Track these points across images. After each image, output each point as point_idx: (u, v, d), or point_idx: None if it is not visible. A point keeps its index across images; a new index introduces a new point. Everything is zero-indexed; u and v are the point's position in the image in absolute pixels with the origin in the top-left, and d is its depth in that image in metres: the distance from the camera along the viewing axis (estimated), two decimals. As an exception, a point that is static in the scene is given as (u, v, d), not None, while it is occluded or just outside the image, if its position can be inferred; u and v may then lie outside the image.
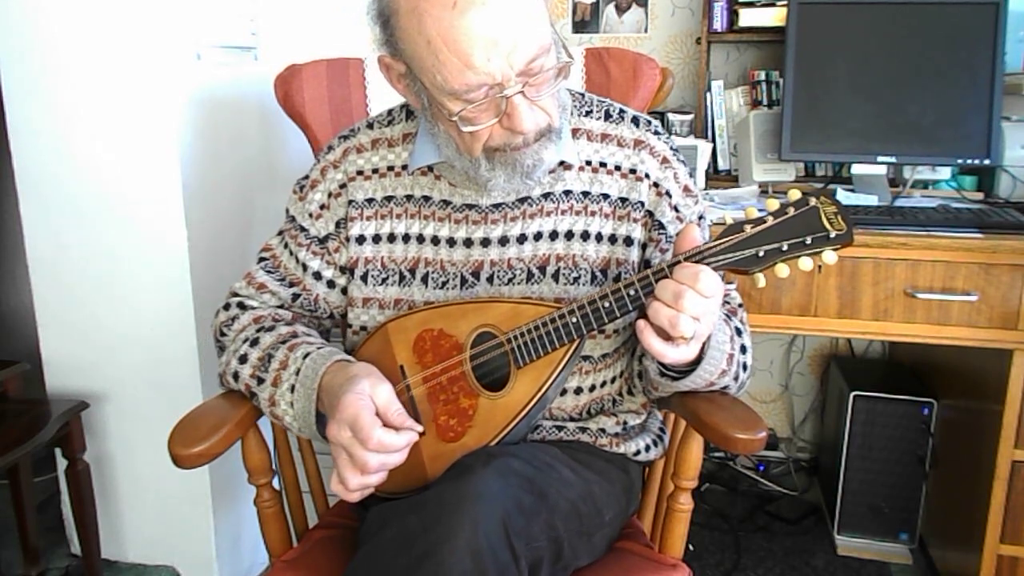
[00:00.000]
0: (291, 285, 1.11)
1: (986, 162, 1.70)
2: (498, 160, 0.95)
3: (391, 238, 1.06)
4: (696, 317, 0.85)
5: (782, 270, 0.88)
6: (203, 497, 1.77)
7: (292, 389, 0.98)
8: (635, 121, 1.07)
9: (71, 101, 1.61)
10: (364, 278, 1.07)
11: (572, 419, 1.08)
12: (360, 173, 1.08)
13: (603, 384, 1.08)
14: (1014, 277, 1.48)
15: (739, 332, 1.03)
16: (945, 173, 1.87)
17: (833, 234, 0.87)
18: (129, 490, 1.83)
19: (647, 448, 1.13)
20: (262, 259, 1.14)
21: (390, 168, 1.07)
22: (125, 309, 1.70)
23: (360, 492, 0.91)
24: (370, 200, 1.07)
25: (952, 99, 1.71)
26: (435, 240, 1.05)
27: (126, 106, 1.59)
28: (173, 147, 1.59)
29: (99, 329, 1.73)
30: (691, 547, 1.99)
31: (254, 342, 1.04)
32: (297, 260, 1.11)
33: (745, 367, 1.03)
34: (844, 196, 1.74)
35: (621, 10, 2.23)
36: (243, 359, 1.03)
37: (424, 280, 1.05)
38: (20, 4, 1.59)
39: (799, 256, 0.88)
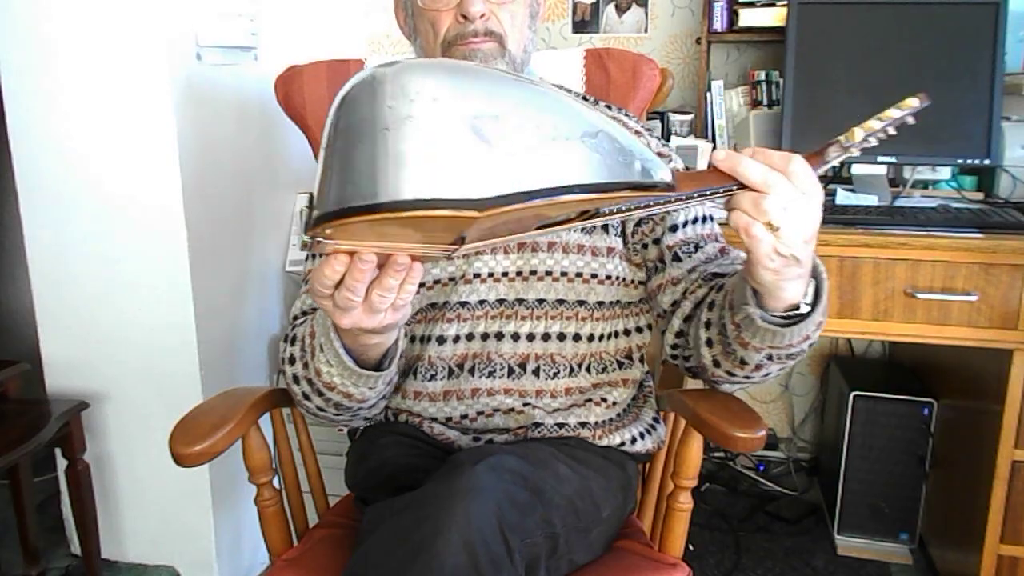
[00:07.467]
0: None
1: (986, 162, 1.70)
2: (454, 57, 1.01)
3: None
4: (785, 208, 0.72)
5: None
6: (203, 497, 1.77)
7: (321, 348, 0.92)
8: (627, 115, 1.20)
9: (71, 101, 1.61)
10: None
11: (559, 409, 1.08)
12: None
13: (602, 338, 1.09)
14: (1014, 277, 1.48)
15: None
16: (945, 173, 1.86)
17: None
18: (129, 490, 1.83)
19: (633, 440, 1.12)
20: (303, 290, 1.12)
21: None
22: (125, 309, 1.70)
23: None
24: None
25: (952, 99, 1.70)
26: None
27: (126, 106, 1.59)
28: (173, 147, 1.59)
29: (99, 329, 1.73)
30: (691, 547, 1.99)
31: (292, 340, 1.01)
32: None
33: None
34: (844, 196, 1.74)
35: (621, 10, 2.23)
36: (291, 360, 1.00)
37: None
38: (21, 4, 1.59)
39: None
